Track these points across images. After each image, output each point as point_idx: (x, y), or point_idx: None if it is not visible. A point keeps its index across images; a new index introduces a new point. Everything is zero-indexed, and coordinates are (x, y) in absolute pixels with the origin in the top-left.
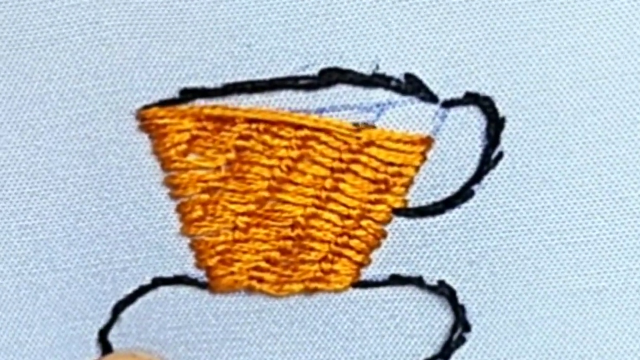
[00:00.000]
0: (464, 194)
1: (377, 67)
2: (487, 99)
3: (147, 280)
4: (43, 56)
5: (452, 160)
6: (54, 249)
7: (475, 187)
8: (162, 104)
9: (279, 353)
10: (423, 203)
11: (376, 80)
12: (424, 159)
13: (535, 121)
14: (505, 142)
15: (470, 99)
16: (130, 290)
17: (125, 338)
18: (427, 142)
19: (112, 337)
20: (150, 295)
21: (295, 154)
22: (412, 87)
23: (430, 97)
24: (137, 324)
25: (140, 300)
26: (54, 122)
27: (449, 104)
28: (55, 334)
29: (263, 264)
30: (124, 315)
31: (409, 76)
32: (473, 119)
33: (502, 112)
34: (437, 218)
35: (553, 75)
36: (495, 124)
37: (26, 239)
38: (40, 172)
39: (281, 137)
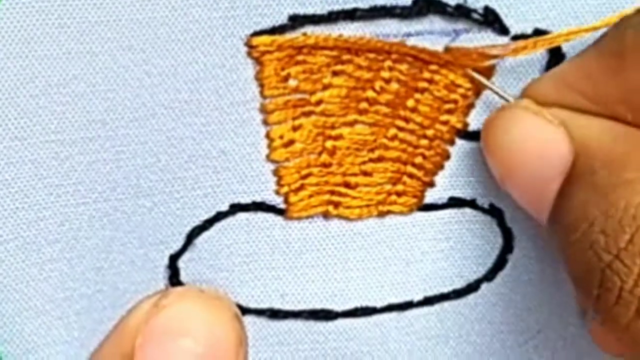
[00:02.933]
0: None
1: (465, 0)
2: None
3: (225, 206)
4: None
5: (509, 91)
6: (142, 175)
7: None
8: (272, 30)
9: (344, 280)
10: (480, 126)
11: (460, 12)
12: (485, 85)
13: None
14: None
15: (539, 34)
16: (207, 216)
17: (196, 264)
18: (491, 70)
19: (182, 262)
20: (226, 222)
21: (386, 75)
22: (489, 19)
23: (503, 30)
24: (209, 250)
25: (215, 227)
26: (164, 46)
27: (518, 37)
28: (129, 259)
29: (342, 189)
30: (198, 241)
31: (487, 9)
32: (537, 53)
33: (564, 49)
34: None
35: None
36: (555, 60)
37: (115, 165)
38: (143, 96)
39: (373, 60)
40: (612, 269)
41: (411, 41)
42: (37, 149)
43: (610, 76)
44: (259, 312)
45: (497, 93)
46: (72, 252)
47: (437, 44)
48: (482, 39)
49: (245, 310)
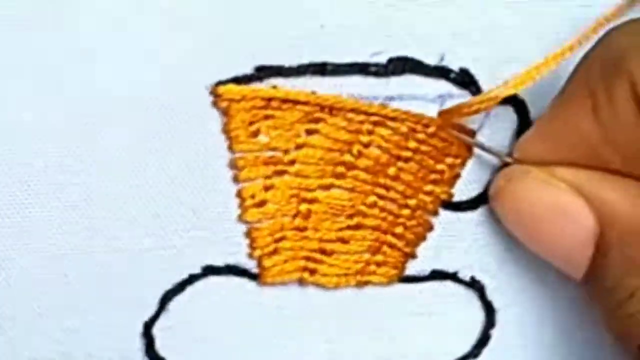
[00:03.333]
0: None
1: (442, 59)
2: (522, 102)
3: (197, 269)
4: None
5: (487, 156)
6: (114, 226)
7: None
8: (237, 80)
9: (323, 350)
10: (464, 198)
11: (438, 72)
12: (471, 152)
13: None
14: None
15: (509, 99)
16: (180, 279)
17: (170, 332)
18: (473, 135)
19: (156, 330)
20: (199, 285)
21: (365, 139)
22: (466, 80)
23: (478, 92)
24: (183, 316)
25: (188, 290)
26: (129, 89)
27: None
28: (105, 322)
29: (317, 255)
30: (172, 306)
31: (463, 71)
32: (507, 118)
33: (532, 114)
34: (472, 213)
35: None
36: (525, 124)
37: (87, 216)
38: (110, 148)
39: (351, 121)
40: None
41: (394, 105)
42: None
43: (587, 119)
44: None
45: (492, 152)
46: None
47: (425, 110)
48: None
49: None
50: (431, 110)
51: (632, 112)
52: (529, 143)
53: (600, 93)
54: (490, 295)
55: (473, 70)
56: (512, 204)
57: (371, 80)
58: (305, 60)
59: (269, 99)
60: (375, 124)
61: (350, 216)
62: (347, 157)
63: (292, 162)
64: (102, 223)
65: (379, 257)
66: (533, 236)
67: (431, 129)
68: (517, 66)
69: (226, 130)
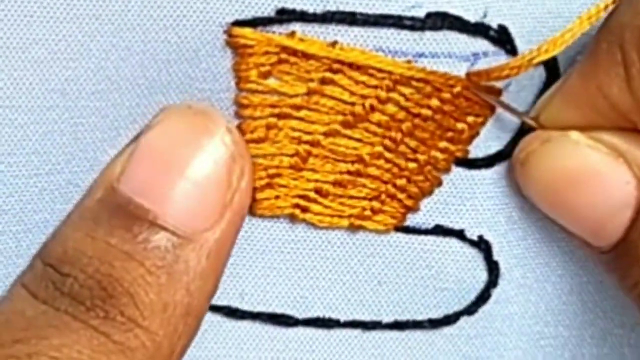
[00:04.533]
0: (513, 147)
1: (485, 15)
2: (554, 60)
3: None
4: None
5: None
6: (100, 148)
7: None
8: (256, 21)
9: (308, 287)
10: (480, 155)
11: (477, 29)
12: (494, 111)
13: None
14: None
15: None
16: None
17: None
18: (499, 94)
19: None
20: None
21: (383, 95)
22: (503, 39)
23: (513, 51)
24: None
25: None
26: (134, 20)
27: None
28: None
29: (312, 194)
30: None
31: (502, 28)
32: (536, 75)
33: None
34: (487, 171)
35: None
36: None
37: (72, 137)
38: (107, 69)
39: (371, 76)
40: None
41: (424, 63)
42: None
43: (620, 87)
44: (215, 309)
45: (519, 114)
46: (19, 226)
47: (455, 69)
48: (496, 62)
49: None
50: (461, 69)
51: None
52: (555, 107)
53: (635, 63)
54: (497, 255)
55: (511, 29)
56: (547, 168)
57: (404, 35)
58: (332, 7)
59: (285, 47)
60: (396, 82)
61: (352, 162)
62: (359, 110)
63: (299, 107)
64: (89, 140)
65: (376, 204)
66: (566, 201)
67: (457, 89)
68: (556, 24)
69: (236, 69)
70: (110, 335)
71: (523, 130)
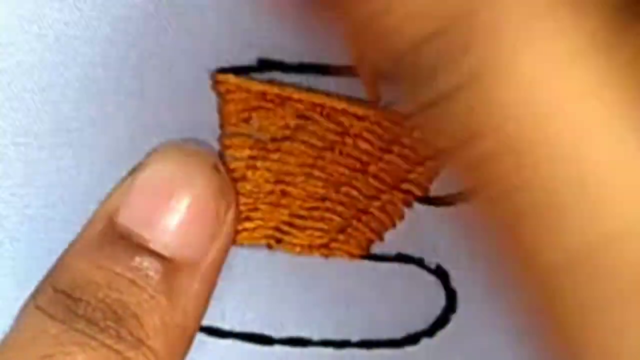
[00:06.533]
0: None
1: None
2: None
3: None
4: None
5: None
6: (102, 183)
7: None
8: (238, 69)
9: (283, 309)
10: (441, 194)
11: None
12: None
13: None
14: None
15: None
16: None
17: None
18: None
19: None
20: None
21: (350, 141)
22: None
23: None
24: None
25: None
26: (133, 65)
27: None
28: None
29: (286, 227)
30: None
31: None
32: None
33: None
34: (446, 209)
35: None
36: None
37: (76, 172)
38: (107, 109)
39: (340, 124)
40: None
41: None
42: (6, 148)
43: None
44: (200, 329)
45: None
46: (29, 252)
47: None
48: None
49: None
50: None
51: None
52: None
53: None
54: (455, 284)
55: None
56: None
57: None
58: (307, 59)
59: (264, 92)
60: (363, 129)
61: (322, 199)
62: (329, 154)
63: (275, 150)
64: (92, 174)
65: (343, 237)
66: None
67: (417, 135)
68: None
69: (220, 112)
70: (122, 353)
71: None
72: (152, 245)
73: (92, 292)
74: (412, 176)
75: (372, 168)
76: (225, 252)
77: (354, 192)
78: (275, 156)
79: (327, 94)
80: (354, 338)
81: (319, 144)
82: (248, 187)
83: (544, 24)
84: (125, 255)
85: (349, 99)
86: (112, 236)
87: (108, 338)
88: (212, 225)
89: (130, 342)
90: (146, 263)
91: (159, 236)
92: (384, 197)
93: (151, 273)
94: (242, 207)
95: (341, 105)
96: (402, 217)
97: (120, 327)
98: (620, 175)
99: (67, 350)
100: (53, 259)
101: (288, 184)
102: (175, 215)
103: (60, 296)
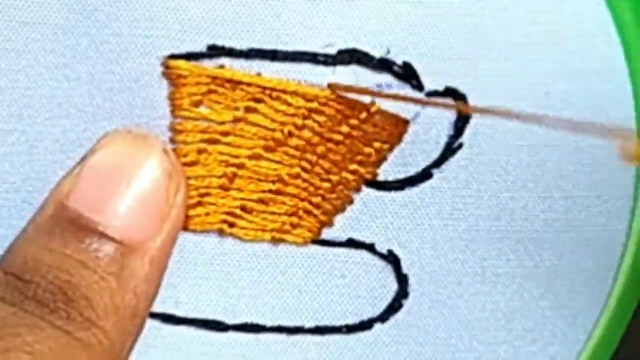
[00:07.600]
0: (424, 175)
1: (389, 52)
2: (463, 96)
3: None
4: None
5: (421, 144)
6: (53, 170)
7: (434, 171)
8: (189, 56)
9: (236, 295)
10: (389, 179)
11: (383, 64)
12: (401, 140)
13: (498, 123)
14: (468, 135)
15: (449, 93)
16: None
17: None
18: (406, 125)
19: None
20: None
21: (299, 122)
22: (408, 74)
23: (419, 86)
24: None
25: None
26: (84, 54)
27: (431, 94)
28: None
29: (238, 211)
30: None
31: (406, 65)
32: (446, 111)
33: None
34: (398, 194)
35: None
36: (463, 119)
37: (28, 159)
38: (60, 97)
39: (290, 105)
40: None
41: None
42: None
43: None
44: (153, 316)
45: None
46: None
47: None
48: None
49: None
50: (366, 99)
51: None
52: None
53: None
54: (407, 269)
55: (417, 66)
56: None
57: (319, 69)
58: (256, 45)
59: (215, 77)
60: (311, 110)
61: (273, 182)
62: (279, 135)
63: (226, 134)
64: (43, 162)
65: (295, 220)
66: None
67: (363, 116)
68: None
69: (171, 98)
70: (72, 334)
71: (435, 162)
72: (102, 228)
73: (42, 275)
74: (360, 157)
75: (320, 149)
76: (175, 235)
77: (305, 175)
78: (227, 140)
79: (277, 79)
80: (308, 324)
81: (270, 126)
82: (200, 171)
83: None
84: (76, 238)
85: (299, 83)
86: (62, 220)
87: (58, 319)
88: (161, 208)
89: (80, 323)
90: (96, 245)
91: (109, 219)
92: (334, 178)
93: (101, 255)
94: (194, 192)
95: (290, 88)
96: (351, 201)
97: (71, 309)
98: None
99: (16, 332)
100: (5, 246)
101: (239, 166)
102: (124, 198)
103: (10, 279)
